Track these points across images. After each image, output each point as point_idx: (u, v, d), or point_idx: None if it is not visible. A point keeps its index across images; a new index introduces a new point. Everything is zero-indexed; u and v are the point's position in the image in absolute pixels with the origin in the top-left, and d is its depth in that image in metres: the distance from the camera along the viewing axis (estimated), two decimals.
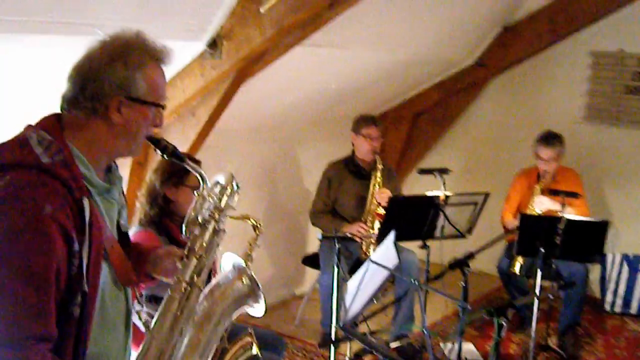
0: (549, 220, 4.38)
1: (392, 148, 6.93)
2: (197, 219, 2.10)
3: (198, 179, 2.10)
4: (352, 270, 5.13)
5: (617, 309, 5.81)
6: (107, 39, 1.86)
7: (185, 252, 2.06)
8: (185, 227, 2.08)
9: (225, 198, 2.16)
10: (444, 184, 4.26)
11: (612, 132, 6.01)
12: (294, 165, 6.16)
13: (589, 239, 4.37)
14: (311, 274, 5.76)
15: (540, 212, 4.88)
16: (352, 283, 3.41)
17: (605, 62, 5.99)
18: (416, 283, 3.00)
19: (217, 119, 4.10)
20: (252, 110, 4.94)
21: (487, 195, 4.29)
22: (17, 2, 2.73)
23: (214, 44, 3.67)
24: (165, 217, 3.17)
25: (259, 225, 3.34)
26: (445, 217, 4.20)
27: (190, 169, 2.07)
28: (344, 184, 5.11)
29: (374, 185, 4.94)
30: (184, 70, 3.88)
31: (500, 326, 2.85)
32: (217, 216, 2.12)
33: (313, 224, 5.22)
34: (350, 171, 5.13)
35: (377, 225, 4.84)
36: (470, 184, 6.50)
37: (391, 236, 3.31)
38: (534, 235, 4.32)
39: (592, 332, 5.37)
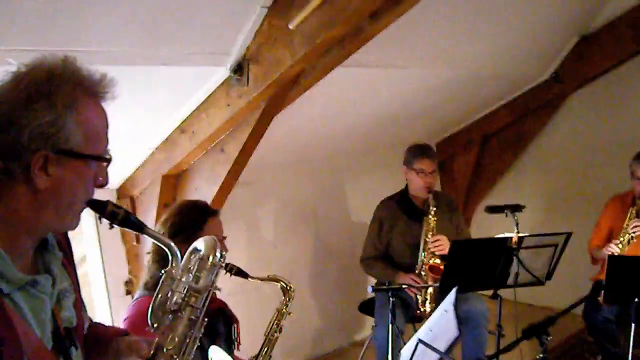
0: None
1: (460, 175, 6.33)
2: (167, 305, 1.58)
3: (171, 255, 1.58)
4: (412, 321, 4.56)
5: None
6: (21, 70, 1.36)
7: (152, 350, 1.54)
8: (150, 314, 1.56)
9: (205, 274, 1.63)
10: (517, 223, 3.62)
11: None
12: (341, 201, 5.59)
13: None
14: (370, 320, 5.16)
15: (634, 236, 4.23)
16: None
17: None
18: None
19: (250, 155, 3.58)
20: (289, 142, 4.42)
21: (569, 235, 3.62)
22: None
23: (239, 69, 3.16)
24: None
25: (289, 287, 2.81)
26: (520, 262, 3.55)
27: (157, 242, 1.56)
28: (397, 226, 4.51)
29: (427, 232, 4.31)
30: (208, 101, 3.39)
31: (542, 344, 2.66)
32: (193, 301, 1.59)
33: (365, 271, 4.65)
34: (404, 210, 4.53)
35: (430, 282, 4.21)
36: (549, 219, 5.82)
37: (451, 296, 2.69)
38: (625, 279, 3.64)
39: None
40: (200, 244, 1.73)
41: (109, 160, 1.45)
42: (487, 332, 4.12)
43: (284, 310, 2.91)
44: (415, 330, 4.81)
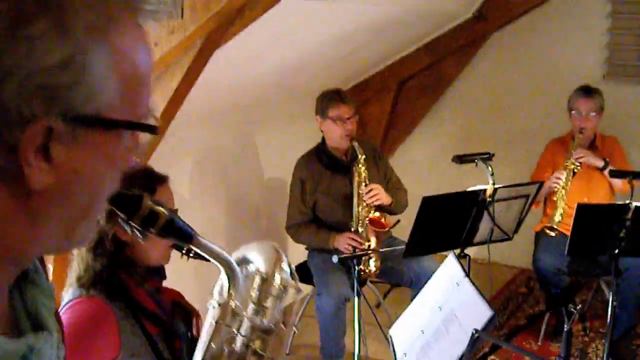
0: (612, 209, 3.46)
1: (375, 123, 5.90)
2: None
3: (228, 277, 1.04)
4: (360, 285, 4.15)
5: None
6: None
7: None
8: None
9: (272, 303, 1.12)
10: (492, 173, 3.24)
11: (637, 90, 5.07)
12: (257, 157, 5.03)
13: None
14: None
15: (578, 165, 4.09)
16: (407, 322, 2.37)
17: (627, 10, 5.04)
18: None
19: (181, 104, 2.98)
20: (204, 91, 3.81)
21: (541, 184, 3.29)
22: None
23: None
24: (119, 271, 2.01)
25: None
26: (491, 216, 3.18)
27: (211, 257, 1.03)
28: (321, 184, 4.04)
29: (359, 182, 3.88)
30: None
31: (570, 314, 2.34)
32: (259, 346, 1.08)
33: (294, 240, 4.18)
34: (326, 165, 4.06)
35: (373, 238, 3.82)
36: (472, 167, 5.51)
37: (453, 264, 2.26)
38: (591, 229, 3.40)
39: None
40: (254, 253, 1.20)
41: (156, 129, 0.82)
42: None
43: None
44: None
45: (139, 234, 1.10)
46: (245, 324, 1.17)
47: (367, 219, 3.80)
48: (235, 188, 4.79)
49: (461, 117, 5.89)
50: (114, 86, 0.72)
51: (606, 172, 4.07)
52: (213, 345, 1.15)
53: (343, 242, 3.83)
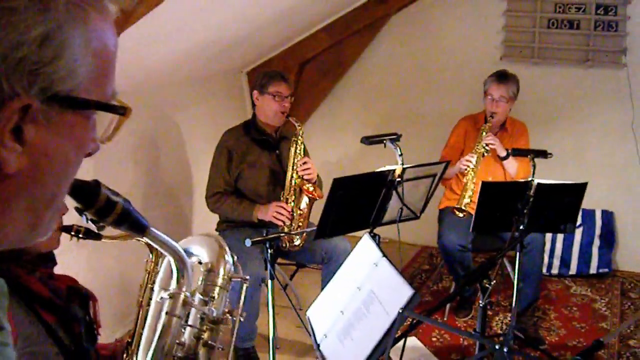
0: (515, 187, 3.57)
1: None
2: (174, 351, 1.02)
3: (178, 269, 1.00)
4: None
5: (555, 270, 5.15)
6: None
7: None
8: None
9: (219, 294, 1.09)
10: (401, 154, 3.25)
11: (533, 71, 5.24)
12: (176, 136, 4.89)
13: (563, 206, 3.55)
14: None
15: (488, 150, 4.19)
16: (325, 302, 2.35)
17: None
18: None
19: None
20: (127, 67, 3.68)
21: (447, 163, 3.34)
22: None
23: None
24: (6, 261, 1.89)
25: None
26: (400, 196, 3.20)
27: (161, 248, 0.99)
28: (249, 156, 4.03)
29: (296, 153, 3.97)
30: None
31: (485, 289, 2.43)
32: (208, 337, 1.04)
33: (213, 210, 4.08)
34: (254, 140, 4.07)
35: (305, 201, 3.87)
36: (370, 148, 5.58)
37: (369, 245, 2.27)
38: (495, 206, 3.49)
39: (539, 303, 4.61)
40: (196, 246, 1.14)
41: (126, 111, 0.80)
42: None
43: (156, 270, 2.24)
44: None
45: (93, 225, 1.03)
46: (194, 315, 1.12)
47: (303, 188, 3.86)
48: (151, 168, 4.65)
49: (362, 99, 5.92)
50: (89, 65, 0.71)
51: (505, 162, 4.23)
52: (166, 337, 1.09)
53: (270, 212, 3.82)
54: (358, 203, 3.15)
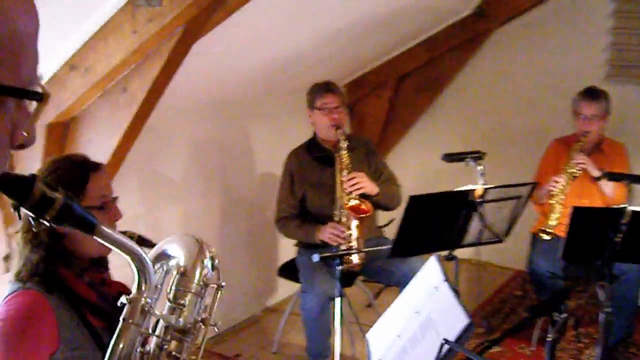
0: (608, 213, 3.33)
1: (372, 120, 5.80)
2: None
3: (138, 271, 0.95)
4: (343, 283, 4.04)
5: None
6: None
7: None
8: None
9: (191, 301, 1.03)
10: (483, 173, 3.13)
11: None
12: (250, 151, 4.91)
13: None
14: (285, 283, 4.57)
15: (577, 171, 3.97)
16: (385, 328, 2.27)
17: (631, 9, 4.90)
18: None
19: (161, 94, 2.88)
20: (195, 82, 3.71)
21: (534, 185, 3.18)
22: None
23: None
24: (56, 264, 1.91)
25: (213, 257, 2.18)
26: (482, 218, 3.07)
27: (116, 248, 0.94)
28: (310, 176, 3.96)
29: (341, 170, 3.76)
30: (107, 26, 2.65)
31: (554, 322, 2.30)
32: (174, 347, 0.99)
33: (282, 233, 4.10)
34: (315, 158, 3.99)
35: (354, 224, 3.66)
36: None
37: (434, 267, 2.16)
38: (587, 233, 3.28)
39: (635, 338, 4.31)
40: (173, 247, 1.10)
41: (42, 97, 0.76)
42: None
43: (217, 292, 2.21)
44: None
45: (32, 222, 1.00)
46: (161, 324, 1.06)
47: (346, 206, 3.67)
48: (228, 182, 4.69)
49: (459, 116, 5.78)
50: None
51: (601, 182, 3.96)
52: (121, 345, 1.04)
53: (326, 233, 3.73)
54: (436, 223, 3.04)
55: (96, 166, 1.96)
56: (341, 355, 3.83)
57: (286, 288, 4.92)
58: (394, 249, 3.01)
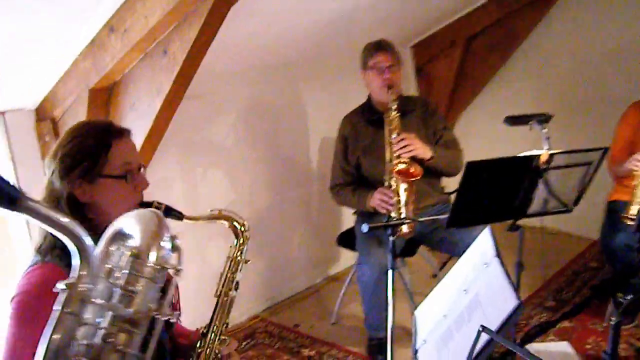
0: None
1: (441, 82, 5.56)
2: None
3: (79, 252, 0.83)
4: (403, 252, 3.86)
5: None
6: None
7: None
8: None
9: (143, 286, 0.90)
10: (548, 137, 2.88)
11: None
12: (305, 115, 4.75)
13: None
14: (347, 252, 4.41)
15: None
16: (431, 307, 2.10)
17: None
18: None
19: (203, 56, 2.74)
20: (243, 44, 3.56)
21: (605, 150, 2.91)
22: None
23: None
24: None
25: (242, 226, 2.04)
26: (547, 185, 2.83)
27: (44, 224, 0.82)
28: (364, 141, 3.76)
29: (390, 131, 3.51)
30: None
31: (619, 304, 2.16)
32: (123, 340, 0.87)
33: (336, 202, 3.92)
34: (368, 121, 3.77)
35: (402, 187, 3.40)
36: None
37: (486, 240, 1.97)
38: None
39: None
40: (129, 224, 0.96)
41: None
42: None
43: (238, 258, 2.03)
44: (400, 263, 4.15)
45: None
46: (105, 312, 0.93)
47: (394, 171, 3.43)
48: (282, 150, 4.56)
49: (531, 78, 5.45)
50: None
51: None
52: (56, 335, 0.92)
53: (375, 200, 3.54)
54: (497, 191, 2.81)
55: (119, 132, 1.84)
56: (403, 329, 3.70)
57: (348, 257, 4.79)
58: (450, 219, 2.81)
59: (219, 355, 1.91)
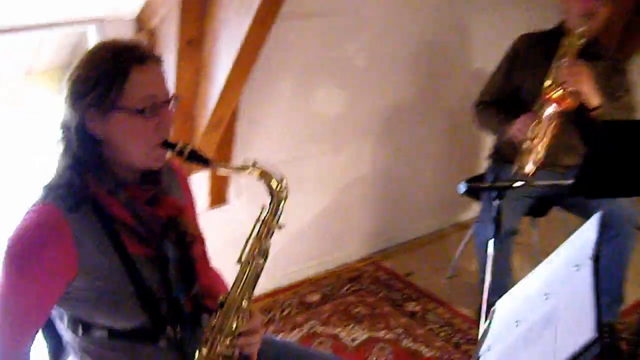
0: None
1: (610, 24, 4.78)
2: None
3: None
4: (535, 211, 3.38)
5: None
6: None
7: None
8: None
9: None
10: None
11: None
12: (460, 41, 4.20)
13: None
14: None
15: None
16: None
17: None
18: None
19: None
20: None
21: None
22: None
23: None
24: (87, 175, 1.57)
25: (279, 183, 1.70)
26: None
27: None
28: (536, 66, 3.14)
29: (564, 54, 2.95)
30: None
31: None
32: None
33: (476, 118, 3.40)
34: (550, 47, 3.10)
35: (548, 110, 2.90)
36: None
37: (590, 230, 1.52)
38: None
39: None
40: None
41: None
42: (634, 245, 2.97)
43: (271, 221, 1.66)
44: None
45: None
46: None
47: (547, 95, 2.91)
48: (426, 80, 4.08)
49: None
50: None
51: None
52: None
53: (516, 125, 3.04)
54: (636, 158, 2.29)
55: (142, 57, 1.53)
56: (481, 305, 3.28)
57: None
58: (574, 186, 2.33)
59: (236, 332, 1.63)
